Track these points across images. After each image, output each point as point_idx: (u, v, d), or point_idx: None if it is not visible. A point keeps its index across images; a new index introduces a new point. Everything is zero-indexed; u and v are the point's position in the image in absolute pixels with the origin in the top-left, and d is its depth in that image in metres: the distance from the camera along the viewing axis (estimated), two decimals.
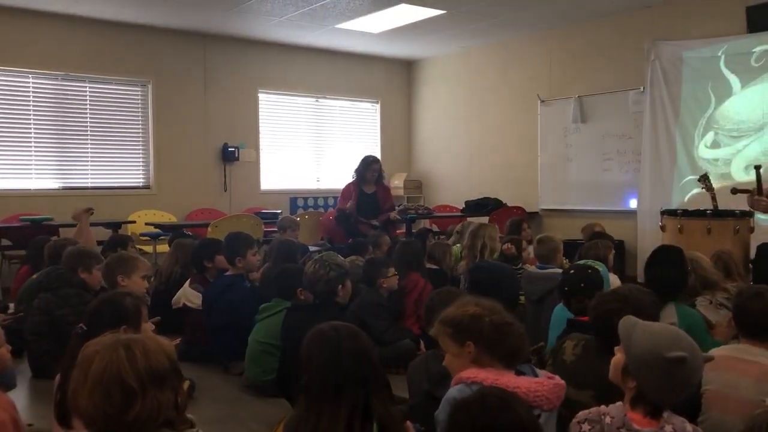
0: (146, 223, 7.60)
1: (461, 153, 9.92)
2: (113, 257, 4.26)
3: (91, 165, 8.10)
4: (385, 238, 5.94)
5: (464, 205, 8.99)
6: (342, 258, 3.84)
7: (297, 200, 9.47)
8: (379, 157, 7.84)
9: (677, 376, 1.82)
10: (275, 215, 7.64)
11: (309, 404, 1.93)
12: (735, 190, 5.06)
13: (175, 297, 4.87)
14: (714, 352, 2.59)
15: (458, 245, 5.79)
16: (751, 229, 5.05)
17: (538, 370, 2.15)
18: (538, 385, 1.98)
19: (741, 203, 5.28)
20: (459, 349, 2.13)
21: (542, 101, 8.71)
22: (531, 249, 6.19)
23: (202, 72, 8.72)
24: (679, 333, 1.93)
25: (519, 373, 2.07)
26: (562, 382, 2.08)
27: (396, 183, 10.11)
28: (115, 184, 8.25)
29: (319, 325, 2.07)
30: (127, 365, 1.53)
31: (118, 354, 1.54)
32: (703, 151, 7.12)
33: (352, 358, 1.94)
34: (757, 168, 4.96)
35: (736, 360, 2.48)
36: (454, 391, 2.08)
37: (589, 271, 3.35)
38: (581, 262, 4.11)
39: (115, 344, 1.57)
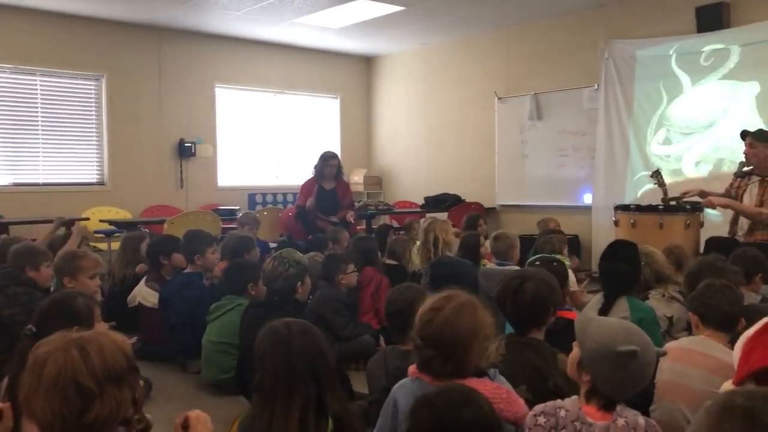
0: (100, 220, 7.44)
1: (421, 149, 9.96)
2: (60, 257, 4.13)
3: (43, 160, 7.90)
4: (344, 234, 5.93)
5: (423, 201, 9.04)
6: (301, 254, 3.83)
7: (255, 196, 9.38)
8: (338, 153, 7.82)
9: (629, 369, 1.85)
10: (233, 212, 7.56)
11: (262, 401, 1.92)
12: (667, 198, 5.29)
13: (131, 295, 4.80)
14: (670, 345, 2.67)
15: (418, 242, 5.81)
16: (701, 224, 5.19)
17: (501, 377, 2.13)
18: (480, 385, 1.95)
19: (692, 199, 5.43)
20: None
21: (499, 98, 8.79)
22: (488, 244, 6.27)
23: (158, 66, 8.56)
24: (632, 328, 1.97)
25: (482, 375, 2.05)
26: (511, 394, 2.03)
27: (356, 179, 10.11)
28: (68, 180, 8.05)
29: (272, 322, 2.06)
30: (82, 366, 1.47)
31: (72, 355, 1.48)
32: (656, 148, 7.29)
33: (304, 355, 1.93)
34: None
35: (690, 351, 2.55)
36: (396, 389, 2.10)
37: (555, 263, 3.40)
38: (548, 255, 4.18)
39: (68, 345, 1.51)
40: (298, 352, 1.93)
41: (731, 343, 2.52)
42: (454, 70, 9.45)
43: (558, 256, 4.20)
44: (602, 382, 1.88)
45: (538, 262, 3.48)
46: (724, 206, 5.09)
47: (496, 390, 1.96)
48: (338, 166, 7.11)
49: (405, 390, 2.05)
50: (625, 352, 1.84)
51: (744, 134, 5.10)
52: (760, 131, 5.15)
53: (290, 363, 1.91)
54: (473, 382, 1.93)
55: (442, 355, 1.99)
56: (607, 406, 1.87)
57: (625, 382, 1.87)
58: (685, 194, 5.21)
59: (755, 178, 4.95)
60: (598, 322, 1.99)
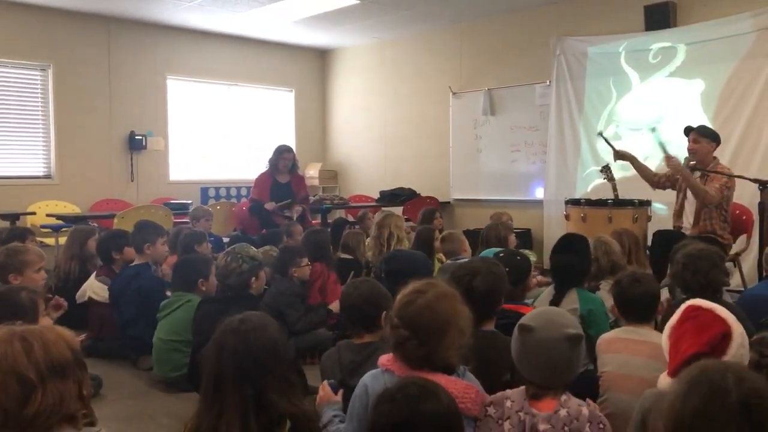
0: (48, 215, 7.24)
1: (376, 143, 9.98)
2: (1, 254, 3.98)
3: None
4: (297, 227, 5.92)
5: (379, 195, 9.06)
6: (255, 249, 3.79)
7: (208, 190, 9.25)
8: (293, 146, 7.78)
9: (527, 345, 1.93)
10: (185, 206, 7.45)
11: (202, 402, 1.89)
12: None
13: (80, 290, 4.70)
14: (607, 335, 2.75)
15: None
16: (649, 218, 5.33)
17: (470, 374, 2.12)
18: (451, 383, 1.94)
19: (640, 193, 5.58)
20: None
21: (454, 93, 8.86)
22: None
23: (107, 57, 8.36)
24: (545, 311, 2.06)
25: (450, 371, 2.04)
26: (480, 393, 2.03)
27: (311, 173, 10.06)
28: (13, 174, 7.81)
29: (229, 318, 2.03)
30: (23, 357, 1.47)
31: (14, 347, 1.48)
32: (605, 143, 7.43)
33: (233, 356, 1.87)
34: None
35: (626, 341, 2.63)
36: (367, 377, 2.10)
37: (518, 258, 3.44)
38: (512, 249, 4.23)
39: (10, 337, 1.51)
40: (227, 353, 1.87)
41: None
42: (408, 65, 9.48)
43: (528, 252, 4.26)
44: (517, 364, 1.96)
45: (502, 254, 3.51)
46: (681, 172, 5.07)
47: (466, 389, 1.96)
48: (293, 160, 7.06)
49: (376, 381, 2.04)
50: (519, 325, 1.94)
51: (688, 130, 5.26)
52: (702, 127, 5.31)
53: (218, 364, 1.87)
54: (443, 380, 1.93)
55: (417, 338, 1.98)
56: (537, 395, 1.91)
57: (529, 360, 1.93)
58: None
59: (697, 174, 5.11)
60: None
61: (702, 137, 5.12)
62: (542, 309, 2.08)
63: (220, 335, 1.93)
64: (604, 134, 6.03)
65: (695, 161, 5.14)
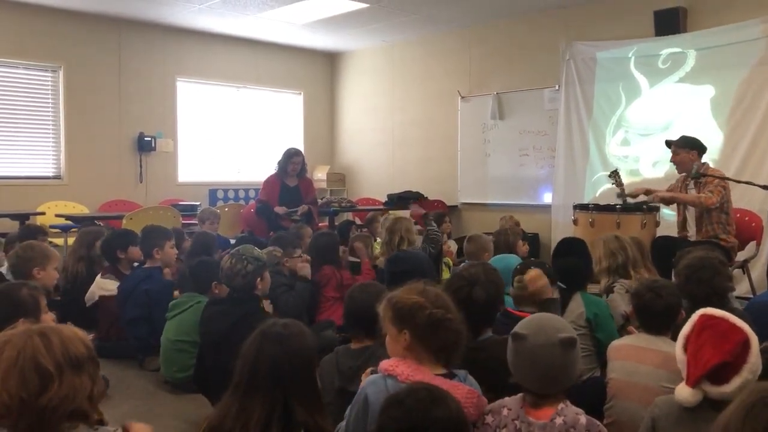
0: (57, 215, 7.27)
1: (384, 146, 9.98)
2: (25, 248, 3.96)
3: None
4: (306, 230, 5.90)
5: (387, 198, 9.05)
6: (259, 250, 3.79)
7: (216, 192, 9.28)
8: (302, 149, 7.78)
9: (520, 353, 1.91)
10: (193, 207, 7.47)
11: (234, 396, 1.91)
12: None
13: (89, 293, 4.69)
14: (615, 342, 2.73)
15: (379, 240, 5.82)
16: (657, 223, 5.31)
17: (471, 378, 2.09)
18: (454, 388, 1.92)
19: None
20: (396, 334, 2.08)
21: (462, 97, 8.86)
22: (450, 243, 6.34)
23: (117, 58, 8.41)
24: (537, 317, 2.03)
25: (451, 375, 2.03)
26: (481, 397, 2.00)
27: (319, 176, 10.07)
28: (23, 174, 7.86)
29: (264, 323, 2.04)
30: (42, 350, 1.52)
31: (33, 340, 1.53)
32: (614, 148, 7.42)
33: (271, 360, 1.90)
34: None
35: (636, 348, 2.61)
36: (367, 385, 2.06)
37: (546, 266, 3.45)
38: (534, 259, 4.23)
39: (29, 332, 1.57)
40: (267, 354, 1.91)
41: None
42: (417, 68, 9.49)
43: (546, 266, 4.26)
44: (513, 372, 1.94)
45: (522, 264, 3.52)
46: (669, 199, 5.21)
47: (468, 394, 1.94)
48: (302, 164, 7.06)
49: (376, 387, 2.02)
50: (512, 334, 1.93)
51: (668, 144, 5.29)
52: (682, 138, 5.32)
53: (256, 362, 1.90)
54: (446, 385, 1.92)
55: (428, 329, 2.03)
56: (536, 403, 1.88)
57: (525, 368, 1.91)
58: (635, 195, 5.33)
59: (690, 181, 5.14)
60: None
61: (680, 148, 5.19)
62: (534, 315, 2.05)
63: (261, 336, 1.96)
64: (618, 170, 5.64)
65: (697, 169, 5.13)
